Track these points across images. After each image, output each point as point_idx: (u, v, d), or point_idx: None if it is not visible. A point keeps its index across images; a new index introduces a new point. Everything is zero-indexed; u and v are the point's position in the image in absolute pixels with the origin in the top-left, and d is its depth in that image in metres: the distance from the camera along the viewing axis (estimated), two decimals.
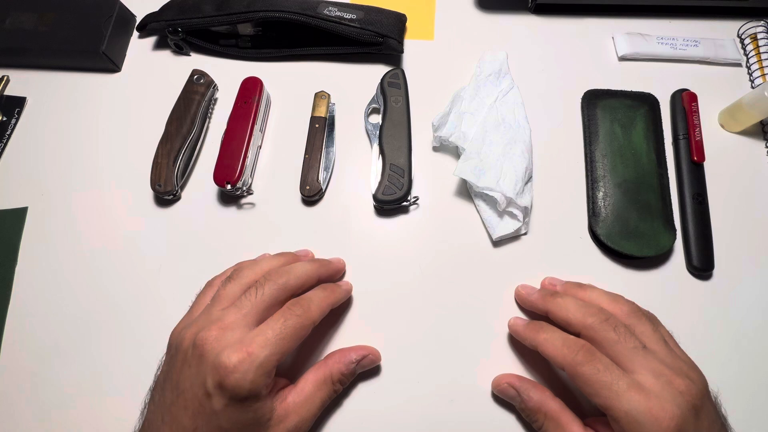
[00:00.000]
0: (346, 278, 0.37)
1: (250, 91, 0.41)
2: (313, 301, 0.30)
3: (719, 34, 0.45)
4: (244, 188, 0.38)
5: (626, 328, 0.27)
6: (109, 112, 0.44)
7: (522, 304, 0.35)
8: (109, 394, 0.33)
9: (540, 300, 0.32)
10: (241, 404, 0.25)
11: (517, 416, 0.32)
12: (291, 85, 0.44)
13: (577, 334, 0.28)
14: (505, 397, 0.31)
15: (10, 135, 0.42)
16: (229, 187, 0.37)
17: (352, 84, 0.44)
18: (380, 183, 0.38)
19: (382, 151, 0.39)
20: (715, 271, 0.36)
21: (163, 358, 0.29)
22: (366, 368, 0.33)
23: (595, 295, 0.31)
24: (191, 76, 0.42)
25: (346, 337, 0.35)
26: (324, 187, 0.39)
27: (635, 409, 0.24)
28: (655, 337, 0.28)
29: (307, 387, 0.29)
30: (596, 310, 0.28)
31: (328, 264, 0.34)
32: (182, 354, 0.27)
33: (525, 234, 0.38)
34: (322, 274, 0.32)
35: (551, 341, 0.28)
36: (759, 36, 0.44)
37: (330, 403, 0.31)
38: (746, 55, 0.45)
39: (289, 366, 0.33)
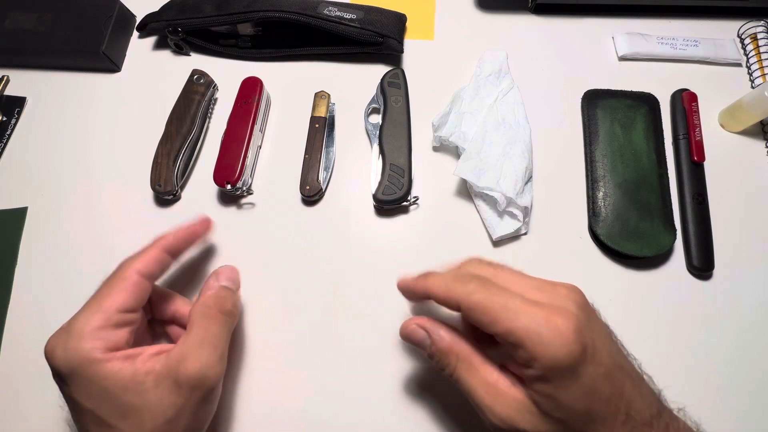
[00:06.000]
0: (344, 277, 0.37)
1: (250, 91, 0.41)
2: (138, 253, 0.28)
3: (719, 34, 0.45)
4: (244, 188, 0.38)
5: (496, 262, 0.27)
6: (109, 112, 0.44)
7: (403, 293, 0.29)
8: None
9: (409, 282, 0.28)
10: (80, 376, 0.24)
11: None
12: (291, 85, 0.44)
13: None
14: (413, 342, 0.28)
15: (10, 135, 0.42)
16: (229, 187, 0.37)
17: (352, 84, 0.44)
18: (380, 183, 0.38)
19: (382, 151, 0.39)
20: (715, 271, 0.36)
21: None
22: (235, 280, 0.31)
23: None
24: (191, 76, 0.42)
25: (343, 336, 0.35)
26: (324, 187, 0.39)
27: (534, 321, 0.22)
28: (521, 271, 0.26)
29: (189, 332, 0.26)
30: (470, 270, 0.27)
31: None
32: None
33: (525, 234, 0.38)
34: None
35: (441, 280, 0.26)
36: (759, 36, 0.44)
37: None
38: (746, 55, 0.45)
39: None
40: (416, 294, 0.27)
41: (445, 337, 0.26)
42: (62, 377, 0.24)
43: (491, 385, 0.24)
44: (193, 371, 0.25)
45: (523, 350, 0.22)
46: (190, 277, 0.37)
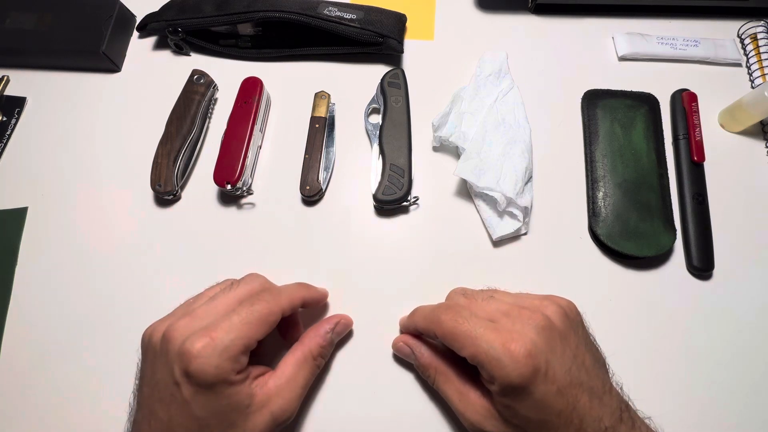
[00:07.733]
0: (344, 277, 0.37)
1: (250, 91, 0.41)
2: (284, 291, 0.30)
3: (719, 34, 0.45)
4: (244, 188, 0.38)
5: (473, 291, 0.31)
6: (109, 112, 0.44)
7: (401, 331, 0.34)
8: (108, 394, 0.33)
9: (405, 320, 0.33)
10: (210, 391, 0.25)
11: None
12: (291, 85, 0.44)
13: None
14: (402, 356, 0.33)
15: (10, 135, 0.42)
16: (229, 187, 0.37)
17: (352, 84, 0.44)
18: (380, 183, 0.38)
19: (382, 151, 0.39)
20: (715, 271, 0.36)
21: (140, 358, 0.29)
22: (342, 335, 0.33)
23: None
24: (191, 76, 0.42)
25: (345, 337, 0.35)
26: (324, 187, 0.39)
27: (492, 347, 0.25)
28: (501, 291, 0.31)
29: (288, 369, 0.29)
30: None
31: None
32: (153, 347, 0.27)
33: (525, 234, 0.38)
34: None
35: (421, 315, 0.30)
36: (759, 36, 0.44)
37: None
38: (746, 55, 0.45)
39: (274, 356, 0.33)
40: (408, 329, 0.33)
41: (425, 353, 0.31)
42: (198, 385, 0.24)
43: (464, 394, 0.28)
44: (288, 408, 0.28)
45: (484, 371, 0.25)
46: (192, 264, 0.37)
